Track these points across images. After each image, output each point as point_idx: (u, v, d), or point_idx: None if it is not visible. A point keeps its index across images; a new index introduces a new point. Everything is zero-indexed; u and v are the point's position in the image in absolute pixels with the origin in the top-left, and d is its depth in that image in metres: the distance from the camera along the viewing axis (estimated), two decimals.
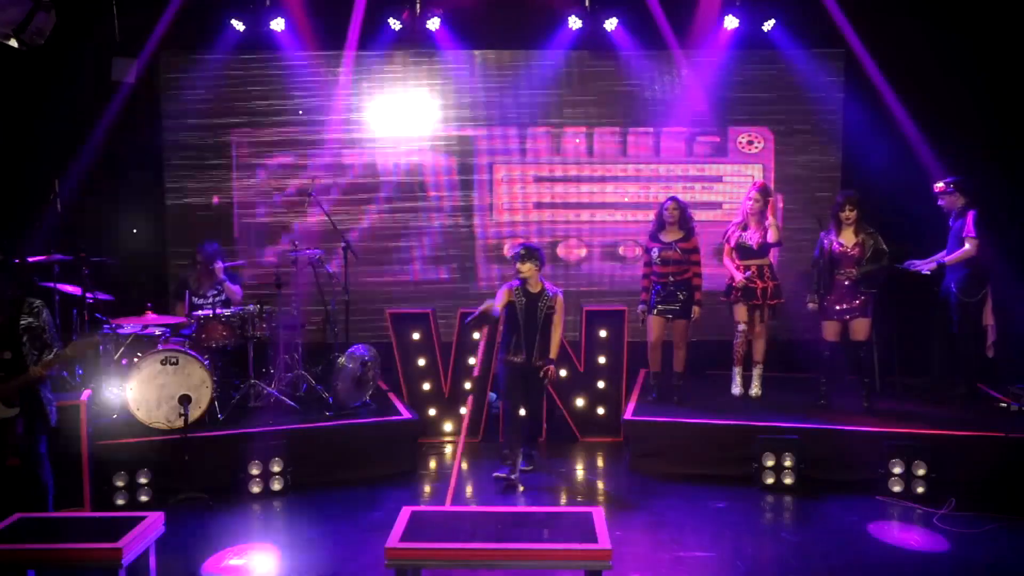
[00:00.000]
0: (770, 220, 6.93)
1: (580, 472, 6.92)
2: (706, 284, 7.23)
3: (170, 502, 5.90)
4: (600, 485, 6.72)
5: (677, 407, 7.04)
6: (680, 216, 7.08)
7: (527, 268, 6.41)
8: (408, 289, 8.88)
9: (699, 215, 8.02)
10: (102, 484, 5.99)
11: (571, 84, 8.78)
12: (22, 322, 5.15)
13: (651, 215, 7.53)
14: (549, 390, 7.30)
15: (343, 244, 7.66)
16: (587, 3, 8.31)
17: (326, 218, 7.78)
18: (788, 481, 6.28)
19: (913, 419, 6.61)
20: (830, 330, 6.92)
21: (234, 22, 8.18)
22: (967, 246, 6.90)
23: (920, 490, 6.10)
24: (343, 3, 8.28)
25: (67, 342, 5.39)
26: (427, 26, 8.37)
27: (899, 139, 8.11)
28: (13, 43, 5.77)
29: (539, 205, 8.93)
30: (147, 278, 8.46)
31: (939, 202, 7.16)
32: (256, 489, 6.25)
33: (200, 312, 7.03)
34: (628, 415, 6.94)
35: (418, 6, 8.37)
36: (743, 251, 7.11)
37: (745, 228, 7.12)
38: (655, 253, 7.10)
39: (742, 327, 7.16)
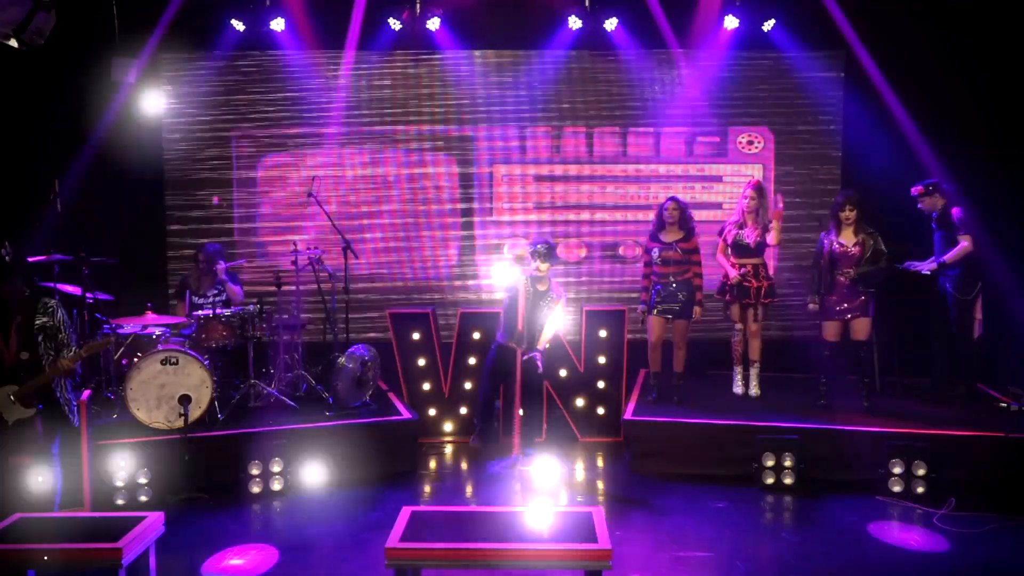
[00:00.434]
0: (773, 223, 6.92)
1: (580, 472, 6.92)
2: (707, 284, 7.23)
3: (170, 502, 5.91)
4: (600, 485, 6.71)
5: (677, 407, 7.04)
6: (680, 216, 7.08)
7: (545, 268, 6.71)
8: (408, 289, 8.88)
9: (699, 215, 8.01)
10: (102, 484, 5.98)
11: (571, 84, 8.78)
12: (36, 322, 5.16)
13: (651, 215, 7.53)
14: (549, 390, 7.31)
15: (343, 243, 7.67)
16: (587, 3, 8.32)
17: (326, 218, 7.79)
18: (788, 481, 6.28)
19: (913, 419, 6.61)
20: (830, 330, 6.92)
21: (234, 22, 8.20)
22: (964, 243, 6.87)
23: (920, 490, 6.09)
24: (343, 3, 8.29)
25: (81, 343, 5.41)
26: (427, 26, 8.38)
27: (899, 139, 8.11)
28: (13, 43, 5.76)
29: (539, 205, 8.93)
30: (147, 278, 8.45)
31: (919, 205, 7.10)
32: (256, 489, 6.24)
33: (200, 312, 7.03)
34: (628, 415, 6.94)
35: (418, 6, 8.38)
36: (740, 249, 7.09)
37: (743, 227, 7.11)
38: (656, 253, 7.10)
39: (739, 326, 7.17)
